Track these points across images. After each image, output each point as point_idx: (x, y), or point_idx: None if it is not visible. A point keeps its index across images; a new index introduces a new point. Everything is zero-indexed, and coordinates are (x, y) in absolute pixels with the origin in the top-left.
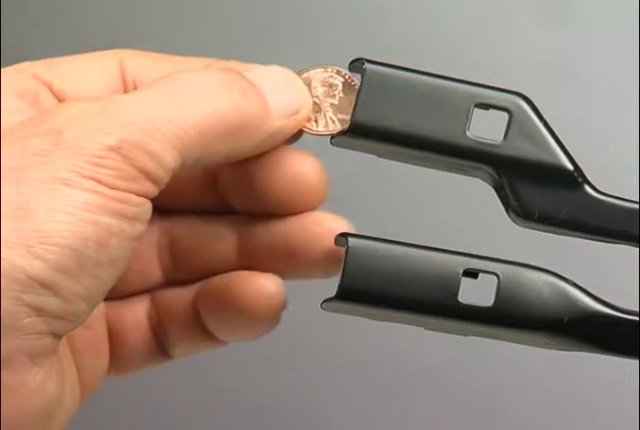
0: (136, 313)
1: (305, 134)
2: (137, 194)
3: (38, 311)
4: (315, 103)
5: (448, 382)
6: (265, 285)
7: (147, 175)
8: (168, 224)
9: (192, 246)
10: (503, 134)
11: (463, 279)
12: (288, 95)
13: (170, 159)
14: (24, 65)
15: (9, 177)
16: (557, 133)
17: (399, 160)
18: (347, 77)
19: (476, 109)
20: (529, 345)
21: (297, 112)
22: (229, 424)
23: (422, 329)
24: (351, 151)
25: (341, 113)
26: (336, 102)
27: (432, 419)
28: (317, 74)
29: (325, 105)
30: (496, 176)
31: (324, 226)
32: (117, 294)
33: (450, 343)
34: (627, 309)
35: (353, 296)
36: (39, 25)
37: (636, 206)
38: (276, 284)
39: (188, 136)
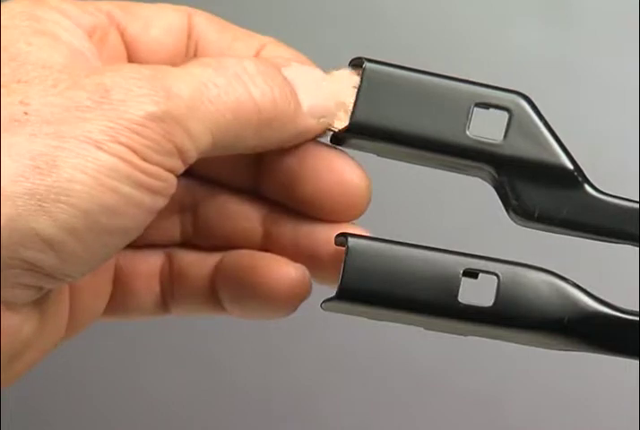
0: (149, 264)
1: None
2: (165, 170)
3: (32, 266)
4: (339, 104)
5: (448, 382)
6: (292, 272)
7: (180, 152)
8: (198, 189)
9: (216, 218)
10: (503, 134)
11: (463, 279)
12: (318, 97)
13: (205, 139)
14: (99, 2)
15: (48, 127)
16: (557, 132)
17: (399, 160)
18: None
19: (476, 108)
20: (529, 345)
21: (325, 115)
22: (229, 422)
23: (422, 329)
24: (351, 151)
25: None
26: None
27: (432, 419)
28: (345, 75)
29: (350, 106)
30: (496, 176)
31: None
32: (133, 243)
33: (450, 343)
34: (627, 309)
35: (353, 296)
36: None
37: (636, 206)
38: (303, 272)
39: (224, 119)
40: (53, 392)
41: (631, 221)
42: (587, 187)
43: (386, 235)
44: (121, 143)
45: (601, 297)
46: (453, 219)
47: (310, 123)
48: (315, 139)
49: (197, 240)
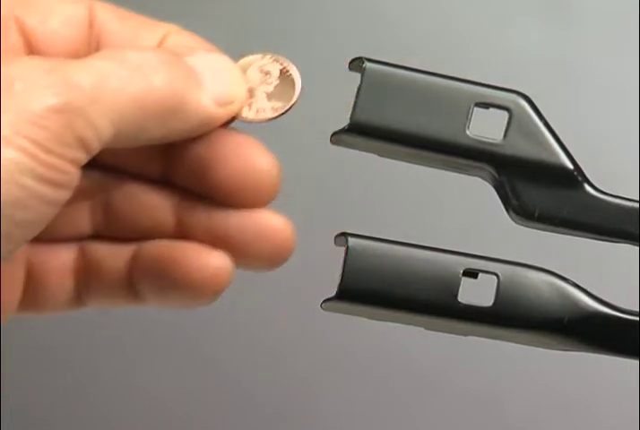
0: (61, 258)
1: (239, 120)
2: (68, 162)
3: None
4: (248, 90)
5: (448, 382)
6: (212, 260)
7: (83, 143)
8: (108, 180)
9: (126, 209)
10: (503, 133)
11: (463, 278)
12: (224, 84)
13: (107, 130)
14: None
15: None
16: (557, 132)
17: (399, 159)
18: (283, 65)
19: (476, 108)
20: (529, 345)
21: (231, 102)
22: (228, 422)
23: (422, 329)
24: (351, 150)
25: (273, 101)
26: (270, 90)
27: (432, 419)
28: (254, 61)
29: (259, 92)
30: (496, 175)
31: (267, 226)
32: (44, 237)
33: (450, 343)
34: (627, 309)
35: (353, 296)
36: None
37: (636, 205)
38: (223, 259)
39: (127, 110)
40: (53, 392)
41: (631, 221)
42: (587, 187)
43: (386, 235)
44: (24, 137)
45: (601, 297)
46: (453, 219)
47: (215, 111)
48: (224, 126)
49: (110, 232)
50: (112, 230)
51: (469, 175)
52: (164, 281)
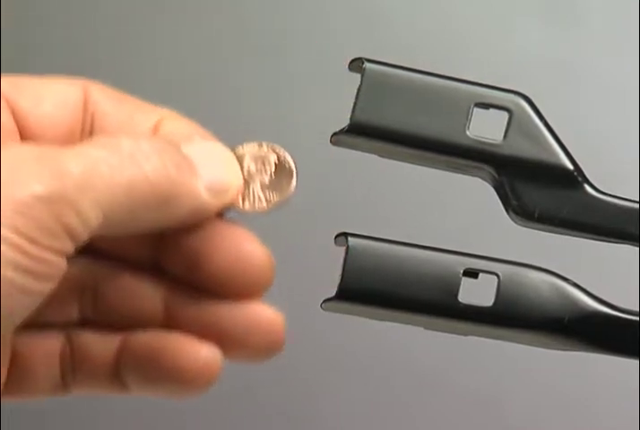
0: (46, 345)
1: (234, 209)
2: (54, 253)
3: None
4: (245, 179)
5: (448, 382)
6: (202, 352)
7: (69, 232)
8: (97, 267)
9: (115, 297)
10: (503, 134)
11: (464, 278)
12: (220, 174)
13: (96, 219)
14: None
15: None
16: (557, 132)
17: (399, 160)
18: (281, 154)
19: (476, 109)
20: (529, 345)
21: (226, 191)
22: (228, 422)
23: (422, 329)
24: (352, 151)
25: (270, 191)
26: (267, 180)
27: (432, 419)
28: (252, 150)
29: (255, 182)
30: (496, 176)
31: (259, 319)
32: (28, 322)
33: (450, 343)
34: (627, 309)
35: (353, 295)
36: (40, 25)
37: (636, 205)
38: (213, 352)
39: (117, 199)
40: None
41: (631, 221)
42: (587, 187)
43: (386, 235)
44: (8, 226)
45: (601, 297)
46: (453, 218)
47: (209, 200)
48: (217, 215)
49: (98, 319)
50: (100, 317)
51: (469, 175)
52: (153, 372)
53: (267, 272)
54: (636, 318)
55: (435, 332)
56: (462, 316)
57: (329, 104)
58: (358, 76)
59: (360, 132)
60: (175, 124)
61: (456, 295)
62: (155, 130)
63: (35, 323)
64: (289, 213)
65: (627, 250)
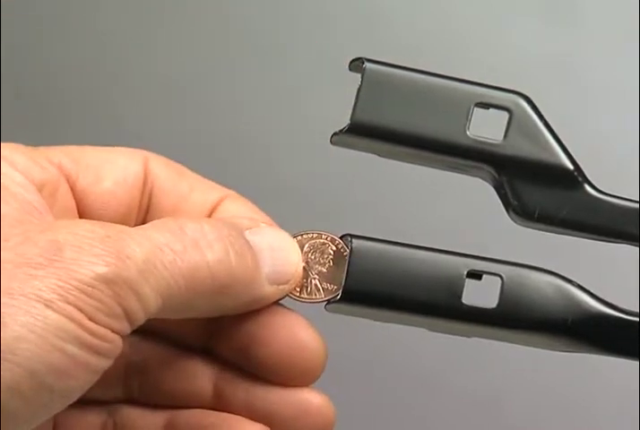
0: (88, 421)
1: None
2: (112, 331)
3: None
4: (303, 269)
5: (448, 382)
6: None
7: (128, 315)
8: (147, 346)
9: (164, 376)
10: (503, 134)
11: (467, 280)
12: (282, 264)
13: (154, 303)
14: (50, 152)
15: None
16: (557, 132)
17: (399, 160)
18: (339, 246)
19: (476, 108)
20: (532, 346)
21: (287, 282)
22: None
23: (426, 330)
24: (352, 151)
25: (327, 282)
26: (325, 270)
27: (432, 419)
28: (311, 240)
29: (314, 272)
30: (496, 176)
31: (309, 406)
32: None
33: (450, 344)
34: (629, 310)
35: (357, 297)
36: (40, 25)
37: (636, 205)
38: None
39: (177, 286)
40: None
41: (631, 221)
42: (587, 187)
43: (388, 236)
44: (70, 303)
45: (604, 298)
46: (456, 220)
47: (268, 291)
48: (273, 302)
49: (143, 397)
50: (146, 395)
51: (469, 175)
52: None
53: (320, 362)
54: (637, 319)
55: (438, 334)
56: (466, 318)
57: (329, 104)
58: (358, 76)
59: (360, 132)
60: (235, 205)
61: (460, 296)
62: (214, 209)
63: (79, 400)
64: (289, 213)
65: (627, 250)
